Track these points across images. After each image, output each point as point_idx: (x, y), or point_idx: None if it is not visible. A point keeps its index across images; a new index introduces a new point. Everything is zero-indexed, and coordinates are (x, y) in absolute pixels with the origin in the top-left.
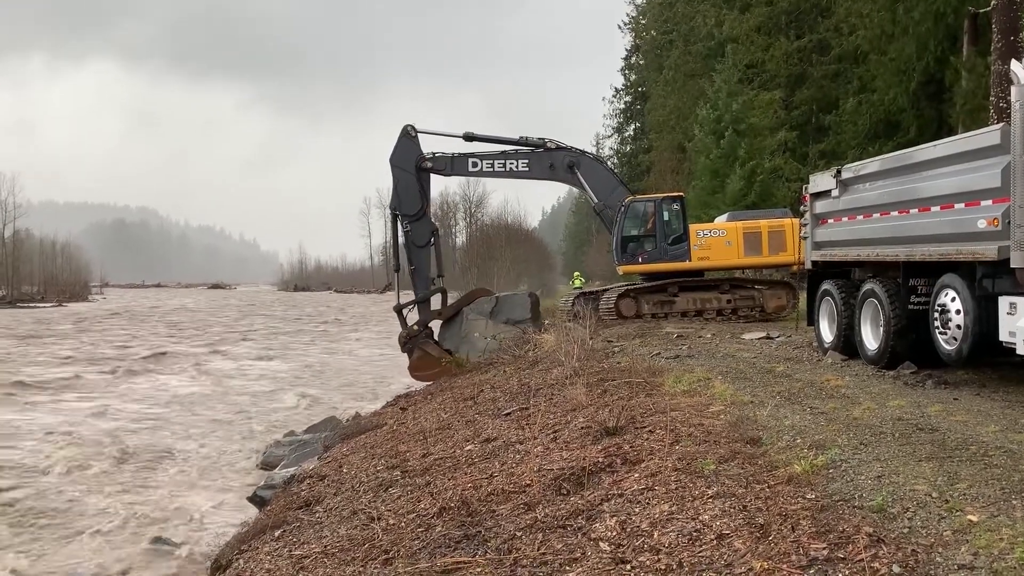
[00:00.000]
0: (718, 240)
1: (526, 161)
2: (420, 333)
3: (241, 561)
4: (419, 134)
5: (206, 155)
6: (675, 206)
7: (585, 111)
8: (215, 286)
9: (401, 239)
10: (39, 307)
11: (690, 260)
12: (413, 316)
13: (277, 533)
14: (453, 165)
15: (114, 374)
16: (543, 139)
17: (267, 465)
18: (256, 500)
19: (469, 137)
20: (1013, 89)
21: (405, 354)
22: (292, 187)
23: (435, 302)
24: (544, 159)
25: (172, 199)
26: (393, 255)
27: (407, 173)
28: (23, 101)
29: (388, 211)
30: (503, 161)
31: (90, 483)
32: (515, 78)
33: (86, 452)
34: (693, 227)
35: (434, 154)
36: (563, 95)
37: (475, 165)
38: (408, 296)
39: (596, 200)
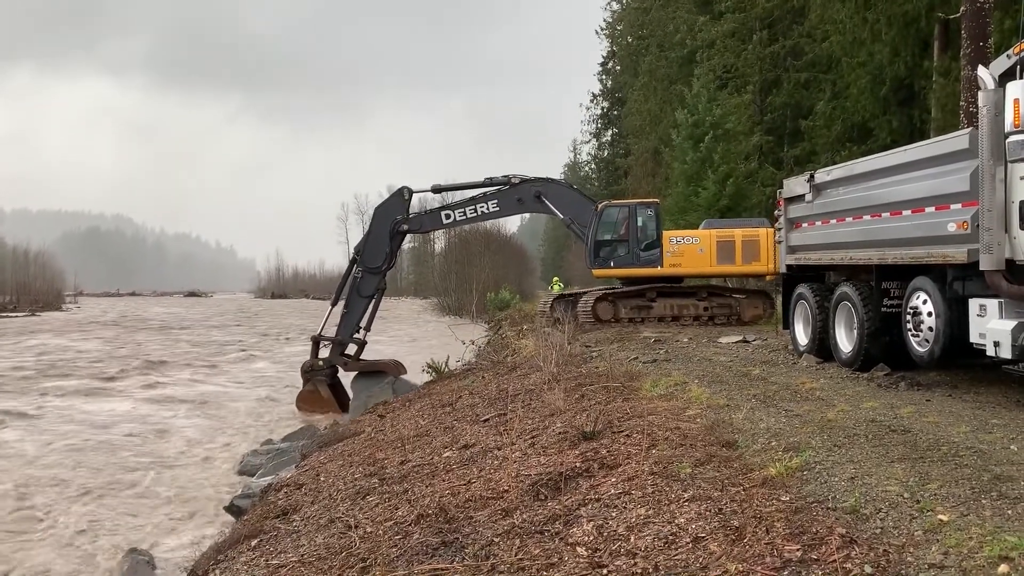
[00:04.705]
0: (691, 247)
1: (495, 201)
2: (322, 370)
3: (217, 571)
4: (413, 195)
5: (183, 163)
6: (649, 212)
7: (569, 119)
8: (191, 294)
9: (349, 281)
10: (11, 316)
11: (662, 266)
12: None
13: (254, 543)
14: (427, 222)
15: (90, 384)
16: (507, 176)
17: (244, 474)
18: (233, 509)
19: (437, 189)
20: (980, 94)
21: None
22: (270, 194)
23: (350, 349)
24: (511, 195)
25: (148, 207)
26: (337, 289)
27: (384, 227)
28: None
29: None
30: (473, 206)
31: (61, 496)
32: (499, 89)
33: (56, 465)
34: (667, 234)
35: (408, 215)
36: (547, 105)
37: (448, 217)
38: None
39: (563, 217)
